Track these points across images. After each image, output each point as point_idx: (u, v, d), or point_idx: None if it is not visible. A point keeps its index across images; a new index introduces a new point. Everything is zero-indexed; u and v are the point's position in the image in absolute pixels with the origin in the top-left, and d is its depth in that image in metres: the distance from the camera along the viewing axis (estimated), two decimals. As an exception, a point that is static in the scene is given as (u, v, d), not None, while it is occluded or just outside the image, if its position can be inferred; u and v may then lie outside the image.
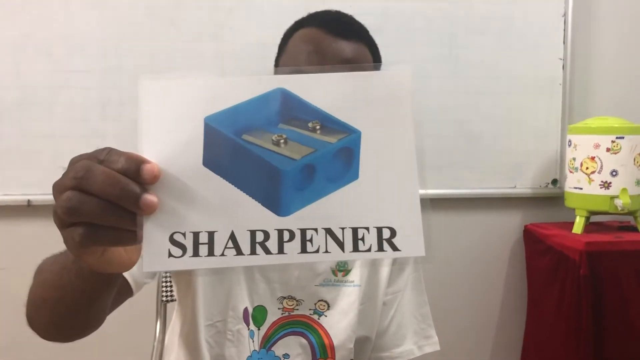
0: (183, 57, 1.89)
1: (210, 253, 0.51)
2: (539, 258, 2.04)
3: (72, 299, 0.67)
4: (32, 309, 0.74)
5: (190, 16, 1.89)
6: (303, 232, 0.52)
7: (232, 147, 0.53)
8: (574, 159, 1.93)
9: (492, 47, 2.08)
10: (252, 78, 0.54)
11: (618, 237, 1.86)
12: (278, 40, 1.06)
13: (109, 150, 0.51)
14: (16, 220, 1.87)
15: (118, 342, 1.76)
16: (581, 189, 1.91)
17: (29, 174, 1.84)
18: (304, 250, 0.52)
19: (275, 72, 1.02)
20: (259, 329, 1.01)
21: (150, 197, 0.49)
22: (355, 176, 0.54)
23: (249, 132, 0.54)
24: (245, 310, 1.01)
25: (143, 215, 0.50)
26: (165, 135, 0.52)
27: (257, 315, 1.01)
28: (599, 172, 1.87)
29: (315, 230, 0.52)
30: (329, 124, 0.54)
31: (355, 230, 0.53)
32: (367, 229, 0.53)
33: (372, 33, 1.04)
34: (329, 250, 0.52)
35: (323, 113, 0.54)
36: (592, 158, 1.88)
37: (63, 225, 0.50)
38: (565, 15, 2.11)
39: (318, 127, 0.55)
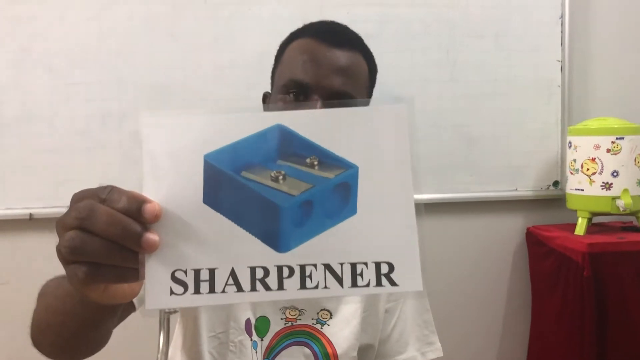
0: (181, 68, 1.89)
1: (211, 290, 0.52)
2: (541, 260, 2.03)
3: (77, 325, 0.67)
4: (37, 332, 0.74)
5: (189, 27, 1.90)
6: (302, 268, 0.53)
7: (231, 184, 0.54)
8: (575, 160, 1.93)
9: (490, 50, 2.09)
10: (251, 115, 0.55)
11: (620, 238, 1.86)
12: (276, 50, 1.07)
13: (111, 189, 0.51)
14: (18, 234, 1.88)
15: (122, 354, 1.76)
16: (582, 190, 1.91)
17: (30, 187, 1.84)
18: (303, 286, 0.53)
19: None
20: (262, 340, 1.01)
21: (151, 236, 0.50)
22: (353, 211, 0.55)
23: (248, 168, 0.55)
24: (248, 321, 1.01)
25: (145, 253, 0.51)
26: (166, 173, 0.53)
27: (260, 325, 1.01)
28: (600, 173, 1.87)
29: (315, 266, 0.53)
30: (327, 159, 0.55)
31: (354, 266, 0.53)
32: (366, 264, 0.54)
33: (369, 39, 1.04)
34: (328, 286, 0.53)
35: (320, 148, 0.55)
36: (593, 159, 1.88)
37: (66, 262, 0.51)
38: (562, 17, 2.11)
39: (316, 162, 0.55)
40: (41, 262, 1.89)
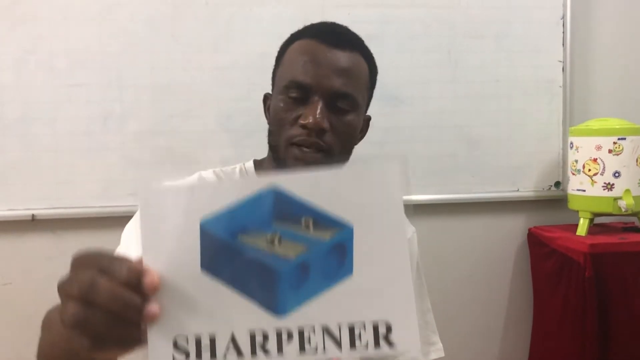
0: (183, 69, 1.90)
1: (213, 356, 0.53)
2: (543, 261, 2.03)
3: None
4: None
5: (190, 28, 1.90)
6: (301, 331, 0.54)
7: (228, 250, 0.54)
8: (576, 161, 1.93)
9: (491, 51, 2.09)
10: (246, 179, 0.57)
11: (622, 239, 1.86)
12: (277, 51, 1.07)
13: (111, 259, 0.52)
14: (21, 234, 1.88)
15: None
16: (584, 190, 1.91)
17: (32, 188, 1.85)
18: (302, 349, 0.53)
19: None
20: None
21: (152, 308, 0.51)
22: (349, 271, 0.55)
23: (244, 233, 0.55)
24: None
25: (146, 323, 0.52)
26: (164, 241, 0.54)
27: None
28: (602, 174, 1.87)
29: (313, 328, 0.54)
30: (322, 220, 0.55)
31: (352, 328, 0.54)
32: (364, 325, 0.54)
33: (370, 40, 1.04)
34: (326, 349, 0.54)
35: (315, 209, 0.55)
36: (594, 160, 1.88)
37: (69, 327, 0.53)
38: (563, 17, 2.11)
39: (311, 224, 0.55)
40: (43, 262, 1.91)
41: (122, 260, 0.52)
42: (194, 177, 1.04)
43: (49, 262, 1.89)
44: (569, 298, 1.86)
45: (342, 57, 0.96)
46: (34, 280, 1.89)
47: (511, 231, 2.18)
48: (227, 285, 0.54)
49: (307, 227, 0.55)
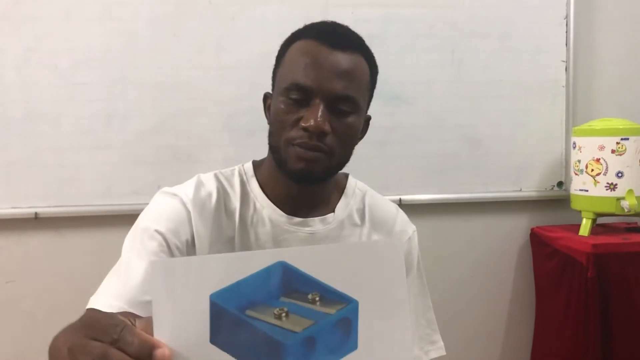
0: (186, 68, 1.90)
1: None
2: (546, 261, 2.03)
3: None
4: None
5: (193, 27, 1.90)
6: None
7: (236, 323, 0.55)
8: (579, 161, 1.93)
9: (494, 50, 2.09)
10: (255, 253, 0.59)
11: (625, 239, 1.86)
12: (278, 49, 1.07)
13: (123, 328, 0.53)
14: (24, 232, 1.88)
15: None
16: (587, 191, 1.91)
17: (36, 186, 1.85)
18: None
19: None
20: None
21: None
22: (354, 346, 0.56)
23: (252, 307, 0.56)
24: None
25: None
26: (175, 314, 0.55)
27: None
28: (605, 174, 1.86)
29: None
30: (328, 294, 0.57)
31: None
32: None
33: (373, 39, 1.04)
34: None
35: (321, 284, 0.57)
36: (597, 160, 1.87)
37: None
38: (567, 17, 2.11)
39: (317, 298, 0.57)
40: (46, 260, 1.91)
41: (134, 331, 0.53)
42: (192, 181, 1.04)
43: (52, 260, 1.90)
44: (572, 298, 1.86)
45: (344, 59, 0.95)
46: (36, 278, 1.90)
47: (513, 231, 2.18)
48: (235, 358, 0.55)
49: (314, 301, 0.57)
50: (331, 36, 0.97)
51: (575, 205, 2.00)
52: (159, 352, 0.52)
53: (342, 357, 0.56)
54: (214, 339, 0.55)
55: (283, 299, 0.57)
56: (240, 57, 1.93)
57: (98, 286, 0.95)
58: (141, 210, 1.01)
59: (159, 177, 1.87)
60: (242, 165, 1.10)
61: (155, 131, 1.90)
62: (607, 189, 1.87)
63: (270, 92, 1.06)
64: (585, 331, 1.80)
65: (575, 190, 1.97)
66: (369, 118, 1.08)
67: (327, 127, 0.93)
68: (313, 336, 0.56)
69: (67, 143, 1.86)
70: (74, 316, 0.83)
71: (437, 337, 1.13)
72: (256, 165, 1.10)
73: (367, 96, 1.02)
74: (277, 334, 0.55)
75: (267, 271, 0.56)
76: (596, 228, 1.96)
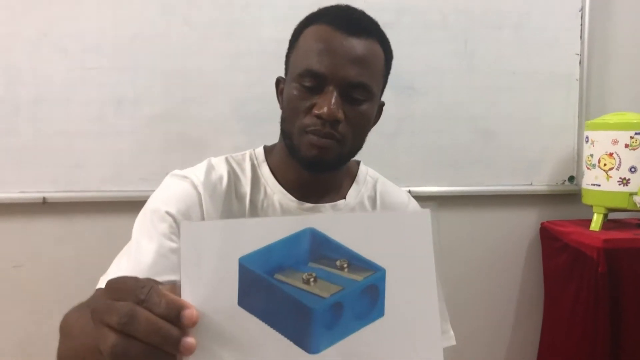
0: (196, 54, 1.89)
1: None
2: (555, 256, 2.02)
3: None
4: None
5: (204, 14, 1.89)
6: None
7: (265, 287, 0.56)
8: (592, 155, 1.91)
9: (508, 42, 2.07)
10: (284, 219, 0.58)
11: (637, 235, 1.84)
12: (291, 34, 1.06)
13: (150, 290, 0.52)
14: (32, 217, 1.88)
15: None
16: (599, 185, 1.89)
17: (44, 171, 1.85)
18: None
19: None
20: None
21: (189, 341, 0.51)
22: (381, 313, 0.56)
23: (281, 271, 0.56)
24: None
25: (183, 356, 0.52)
26: (203, 276, 0.55)
27: None
28: (617, 169, 1.84)
29: None
30: (356, 262, 0.57)
31: None
32: None
33: (386, 29, 1.03)
34: None
35: (350, 252, 0.57)
36: (610, 154, 1.85)
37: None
38: (582, 10, 2.09)
39: (345, 265, 0.57)
40: (54, 245, 1.91)
41: (161, 292, 0.52)
42: (203, 164, 1.03)
43: (60, 245, 1.90)
44: (581, 293, 1.85)
45: (358, 46, 0.94)
46: (44, 263, 1.90)
47: (523, 225, 2.17)
48: (262, 321, 0.55)
49: (342, 268, 0.57)
50: (346, 22, 0.96)
51: (586, 200, 1.98)
52: (187, 313, 0.51)
53: (368, 323, 0.56)
54: (242, 302, 0.55)
55: (311, 265, 0.57)
56: (251, 44, 1.91)
57: (106, 271, 0.94)
58: (149, 196, 1.00)
59: (168, 164, 1.84)
60: (254, 150, 1.09)
61: (165, 117, 1.89)
62: (619, 184, 1.85)
63: (283, 76, 1.05)
64: (594, 327, 1.79)
65: (587, 184, 1.95)
66: (383, 104, 1.07)
67: (340, 115, 0.92)
68: (341, 302, 0.56)
69: (76, 128, 1.86)
70: (81, 300, 0.83)
71: (448, 327, 1.12)
72: (267, 150, 1.09)
73: (381, 83, 1.01)
74: (306, 298, 0.55)
75: (296, 237, 0.56)
76: (607, 223, 1.95)
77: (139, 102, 1.88)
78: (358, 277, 0.56)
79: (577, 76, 2.11)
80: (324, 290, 0.56)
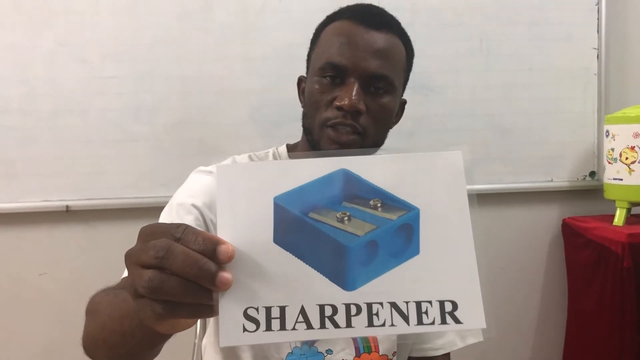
0: (213, 61, 1.90)
1: (282, 327, 0.53)
2: (579, 252, 2.00)
3: (134, 346, 0.67)
4: (92, 347, 0.74)
5: (220, 20, 1.90)
6: (369, 306, 0.55)
7: (300, 225, 0.56)
8: (613, 149, 1.89)
9: (524, 38, 2.05)
10: (318, 160, 0.58)
11: (662, 228, 1.82)
12: (307, 41, 1.06)
13: (185, 229, 0.52)
14: (55, 225, 1.90)
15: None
16: (621, 179, 1.87)
17: (66, 179, 1.87)
18: (370, 324, 0.54)
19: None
20: None
21: (225, 275, 0.51)
22: (416, 251, 0.56)
23: (315, 210, 0.57)
24: None
25: (219, 292, 0.52)
26: (239, 215, 0.56)
27: None
28: (640, 162, 1.82)
29: (381, 304, 0.55)
30: (389, 201, 0.57)
31: (419, 304, 0.55)
32: (430, 302, 0.55)
33: (401, 28, 1.03)
34: (394, 324, 0.54)
35: (383, 192, 0.57)
36: (632, 148, 1.83)
37: (139, 296, 0.53)
38: (598, 3, 2.07)
39: (379, 204, 0.57)
40: (77, 253, 1.93)
41: (196, 230, 0.53)
42: (227, 161, 1.05)
43: (83, 252, 1.92)
44: (606, 289, 1.83)
45: (379, 39, 0.94)
46: (68, 271, 1.92)
47: (545, 222, 2.15)
48: (298, 257, 0.55)
49: (376, 207, 0.57)
50: (366, 16, 0.96)
51: (608, 194, 1.95)
52: (223, 248, 0.52)
53: (403, 261, 0.56)
54: (277, 240, 0.55)
55: (345, 204, 0.58)
56: (267, 49, 1.92)
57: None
58: (169, 202, 1.02)
59: (188, 170, 1.85)
60: (277, 148, 1.10)
61: (182, 124, 1.90)
62: (642, 178, 1.82)
63: (305, 75, 1.05)
64: (621, 323, 1.77)
65: (609, 179, 1.93)
66: (405, 102, 1.07)
67: (361, 106, 0.92)
68: (375, 240, 0.56)
69: (96, 136, 1.88)
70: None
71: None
72: (290, 147, 1.10)
73: (402, 77, 1.01)
74: (341, 236, 0.56)
75: (330, 177, 0.57)
76: (631, 218, 1.92)
77: (157, 110, 1.90)
78: (392, 216, 0.57)
79: (595, 70, 2.09)
80: (359, 229, 0.56)
